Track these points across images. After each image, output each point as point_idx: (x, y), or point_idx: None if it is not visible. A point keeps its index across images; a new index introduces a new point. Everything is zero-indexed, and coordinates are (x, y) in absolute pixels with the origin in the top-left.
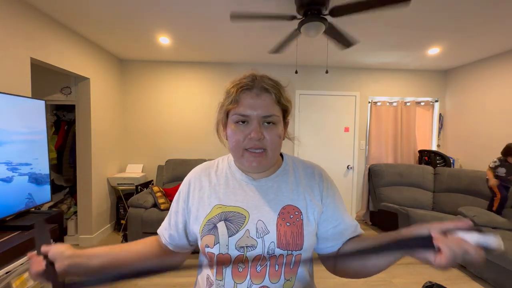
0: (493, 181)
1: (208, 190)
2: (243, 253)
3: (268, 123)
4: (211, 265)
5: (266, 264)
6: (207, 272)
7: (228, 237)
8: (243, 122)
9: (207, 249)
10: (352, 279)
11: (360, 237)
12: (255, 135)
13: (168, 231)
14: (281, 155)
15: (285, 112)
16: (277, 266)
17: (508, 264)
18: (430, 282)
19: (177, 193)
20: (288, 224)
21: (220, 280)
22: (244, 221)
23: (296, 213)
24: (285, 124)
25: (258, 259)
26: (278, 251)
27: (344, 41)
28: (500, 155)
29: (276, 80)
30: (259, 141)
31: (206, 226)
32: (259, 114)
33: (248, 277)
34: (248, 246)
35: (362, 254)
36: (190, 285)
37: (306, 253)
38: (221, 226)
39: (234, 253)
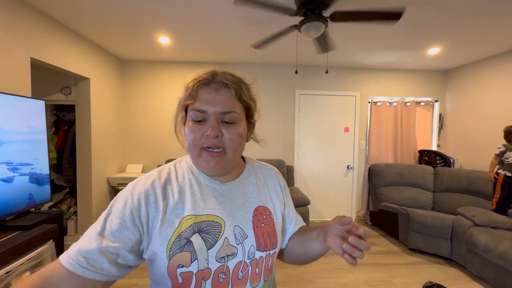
0: (491, 174)
1: (171, 201)
2: (223, 264)
3: (228, 122)
4: (187, 286)
5: (248, 269)
6: None
7: (207, 249)
8: (201, 120)
9: (180, 270)
10: (352, 280)
11: (302, 228)
12: (211, 132)
13: (91, 247)
14: (242, 158)
15: (249, 110)
16: (257, 269)
17: (508, 264)
18: (430, 282)
19: (117, 205)
20: (263, 225)
21: None
22: (221, 230)
23: (267, 213)
24: (251, 124)
25: (239, 265)
26: (258, 254)
27: (324, 46)
28: (505, 142)
29: (239, 76)
30: (216, 139)
31: (176, 243)
32: (217, 110)
33: (230, 286)
34: (229, 255)
35: None
36: None
37: (277, 250)
38: (196, 239)
39: (214, 266)
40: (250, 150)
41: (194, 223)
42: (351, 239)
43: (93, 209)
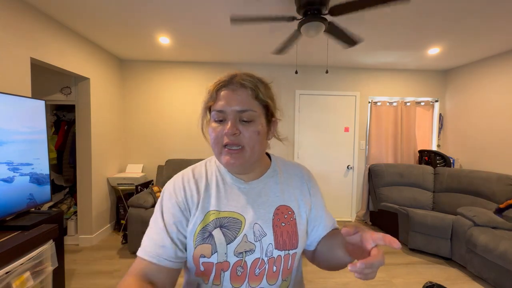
0: None
1: (201, 196)
2: (241, 258)
3: (246, 121)
4: (208, 274)
5: (265, 267)
6: (197, 280)
7: (226, 244)
8: (222, 120)
9: (202, 259)
10: (352, 280)
11: (333, 232)
12: (229, 130)
13: (164, 242)
14: (269, 156)
15: (267, 109)
16: (275, 268)
17: (508, 264)
18: (430, 282)
19: (165, 203)
20: (283, 224)
21: (218, 285)
22: (241, 226)
23: (289, 212)
24: (272, 123)
25: (257, 262)
26: (276, 252)
27: (347, 40)
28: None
29: (257, 76)
30: (234, 137)
31: (200, 234)
32: (234, 109)
33: (246, 280)
34: (247, 251)
35: None
36: None
37: (300, 250)
38: (217, 233)
39: (232, 259)
40: None
41: (216, 218)
42: (359, 265)
43: (93, 209)
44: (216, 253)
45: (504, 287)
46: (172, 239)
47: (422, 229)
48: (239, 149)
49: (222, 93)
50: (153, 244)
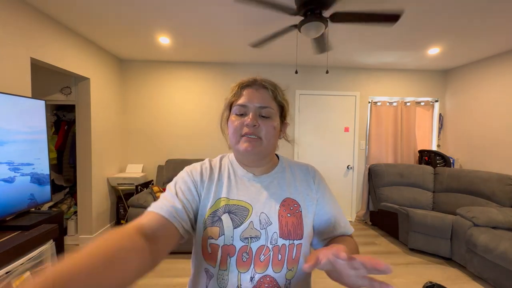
0: None
1: (214, 182)
2: (247, 244)
3: (264, 116)
4: (215, 258)
5: (269, 254)
6: (205, 266)
7: (233, 228)
8: (242, 114)
9: (210, 241)
10: None
11: (341, 238)
12: (250, 122)
13: (175, 204)
14: (277, 156)
15: (282, 110)
16: (280, 256)
17: (508, 264)
18: (430, 282)
19: (180, 179)
20: (289, 215)
21: (224, 270)
22: (248, 214)
23: (295, 205)
24: (284, 124)
25: (262, 249)
26: (280, 241)
27: (322, 46)
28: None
29: (275, 82)
30: (254, 128)
31: (210, 217)
32: (256, 105)
33: (252, 266)
34: (252, 237)
35: None
36: None
37: (306, 242)
38: (226, 218)
39: (238, 244)
40: None
41: (226, 204)
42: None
43: (93, 209)
44: (223, 236)
45: (504, 287)
46: (184, 206)
47: (422, 229)
48: (256, 138)
49: (246, 91)
50: (166, 203)
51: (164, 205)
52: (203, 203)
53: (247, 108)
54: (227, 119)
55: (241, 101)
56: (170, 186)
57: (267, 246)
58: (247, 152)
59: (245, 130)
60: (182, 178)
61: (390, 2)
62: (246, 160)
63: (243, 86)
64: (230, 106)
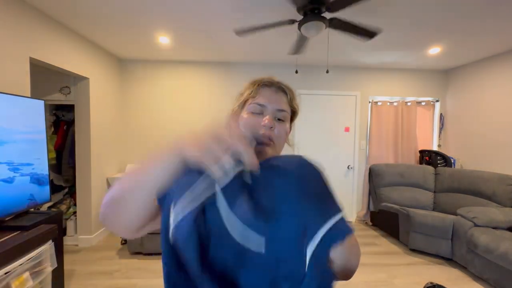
0: None
1: None
2: None
3: (279, 119)
4: None
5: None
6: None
7: None
8: (259, 113)
9: None
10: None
11: None
12: (269, 123)
13: None
14: None
15: (293, 115)
16: None
17: (509, 265)
18: (431, 282)
19: None
20: None
21: None
22: None
23: None
24: (290, 127)
25: None
26: None
27: (365, 32)
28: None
29: (290, 86)
30: (270, 130)
31: None
32: (274, 107)
33: None
34: None
35: None
36: None
37: None
38: None
39: None
40: None
41: None
42: None
43: (93, 209)
44: None
45: (505, 287)
46: None
47: (423, 229)
48: (269, 141)
49: (265, 90)
50: None
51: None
52: None
53: (265, 108)
54: (237, 116)
55: (260, 100)
56: None
57: None
58: (257, 155)
59: (262, 130)
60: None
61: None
62: None
63: (261, 85)
64: (243, 103)
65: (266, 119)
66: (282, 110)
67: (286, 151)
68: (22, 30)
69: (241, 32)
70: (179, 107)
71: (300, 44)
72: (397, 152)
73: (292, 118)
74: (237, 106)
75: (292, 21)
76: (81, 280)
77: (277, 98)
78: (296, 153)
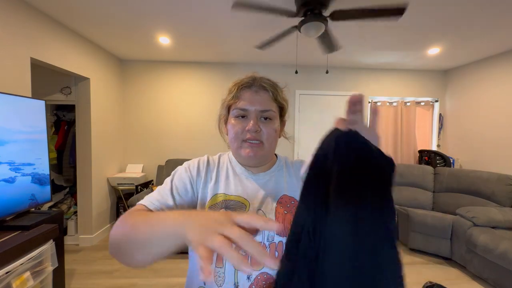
0: None
1: (212, 179)
2: None
3: (265, 118)
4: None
5: (266, 251)
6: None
7: None
8: (243, 116)
9: None
10: None
11: None
12: (252, 127)
13: (167, 201)
14: (275, 155)
15: (282, 110)
16: (276, 253)
17: (508, 264)
18: (430, 282)
19: (178, 175)
20: (285, 212)
21: (220, 268)
22: (245, 210)
23: (292, 202)
24: (282, 122)
25: None
26: (277, 238)
27: (329, 45)
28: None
29: (274, 81)
30: (256, 133)
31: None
32: (257, 109)
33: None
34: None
35: None
36: None
37: None
38: None
39: None
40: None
41: (224, 200)
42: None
43: (93, 209)
44: None
45: (504, 287)
46: (175, 204)
47: (422, 229)
48: (258, 143)
49: (245, 93)
50: (160, 198)
51: (157, 200)
52: (201, 199)
53: (247, 112)
54: (225, 120)
55: (241, 104)
56: (167, 180)
57: (263, 243)
58: (249, 158)
59: (247, 135)
60: (179, 175)
61: None
62: (248, 164)
63: (241, 87)
64: (228, 107)
65: (250, 124)
66: (266, 110)
67: (284, 145)
68: (23, 31)
69: (239, 5)
70: (179, 107)
71: (273, 41)
72: (397, 152)
73: (281, 113)
74: (223, 112)
75: (294, 14)
76: (82, 280)
77: (258, 98)
78: (296, 150)
